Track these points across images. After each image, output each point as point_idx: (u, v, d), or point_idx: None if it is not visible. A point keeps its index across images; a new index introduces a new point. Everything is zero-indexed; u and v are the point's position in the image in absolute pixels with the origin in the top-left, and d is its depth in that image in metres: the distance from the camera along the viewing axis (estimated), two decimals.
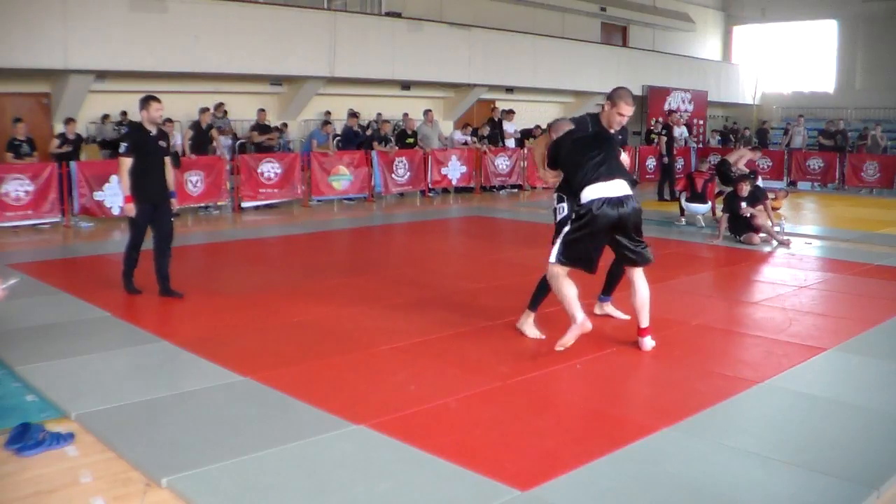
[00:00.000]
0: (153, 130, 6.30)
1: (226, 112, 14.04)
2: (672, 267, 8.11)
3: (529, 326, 5.39)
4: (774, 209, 10.29)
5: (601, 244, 4.91)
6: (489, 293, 6.72)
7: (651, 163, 17.98)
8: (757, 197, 9.50)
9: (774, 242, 9.30)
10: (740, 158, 11.77)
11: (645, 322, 5.05)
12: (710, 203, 10.57)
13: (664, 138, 14.93)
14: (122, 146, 6.24)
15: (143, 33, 12.96)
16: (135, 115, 13.78)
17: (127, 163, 6.15)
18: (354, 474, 3.26)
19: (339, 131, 14.86)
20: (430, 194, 14.62)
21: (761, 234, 9.35)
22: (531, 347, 5.12)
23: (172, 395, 4.17)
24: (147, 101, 6.24)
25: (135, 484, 3.20)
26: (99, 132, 13.55)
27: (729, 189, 10.00)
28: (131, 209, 6.25)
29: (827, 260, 8.58)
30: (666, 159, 14.88)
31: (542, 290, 5.33)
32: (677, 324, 5.73)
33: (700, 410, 4.00)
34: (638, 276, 5.05)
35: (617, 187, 4.75)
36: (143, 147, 6.21)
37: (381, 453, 3.46)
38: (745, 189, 9.47)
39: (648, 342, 5.04)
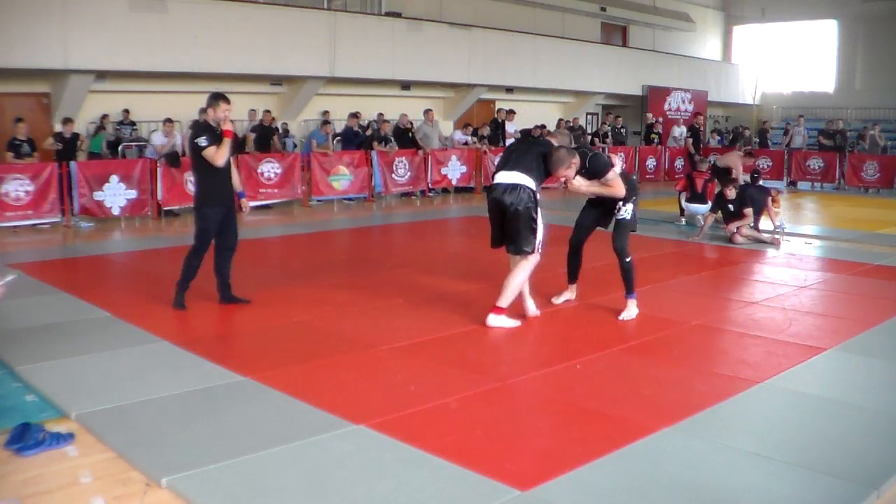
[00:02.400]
0: (218, 130, 5.87)
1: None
2: (671, 267, 8.12)
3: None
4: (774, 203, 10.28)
5: (496, 224, 5.51)
6: (489, 293, 6.70)
7: (651, 163, 18.06)
8: (744, 199, 9.51)
9: (764, 243, 9.33)
10: (733, 168, 11.61)
11: (502, 302, 5.42)
12: (709, 203, 10.55)
13: (690, 139, 15.51)
14: (203, 139, 5.75)
15: (143, 33, 12.95)
16: (135, 114, 13.97)
17: (213, 149, 5.75)
18: (354, 474, 3.26)
19: (338, 131, 14.85)
20: (430, 194, 14.62)
21: (748, 234, 9.40)
22: (531, 347, 5.12)
23: (172, 395, 4.17)
24: (217, 99, 5.85)
25: (135, 484, 3.20)
26: (105, 132, 13.54)
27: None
28: (246, 205, 6.51)
29: (827, 260, 8.58)
30: (698, 157, 15.70)
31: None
32: (677, 324, 5.73)
33: (700, 410, 4.00)
34: (519, 262, 5.48)
35: (511, 176, 5.31)
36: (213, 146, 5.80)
37: (381, 453, 3.46)
38: (731, 193, 9.50)
39: (493, 319, 5.40)
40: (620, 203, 5.75)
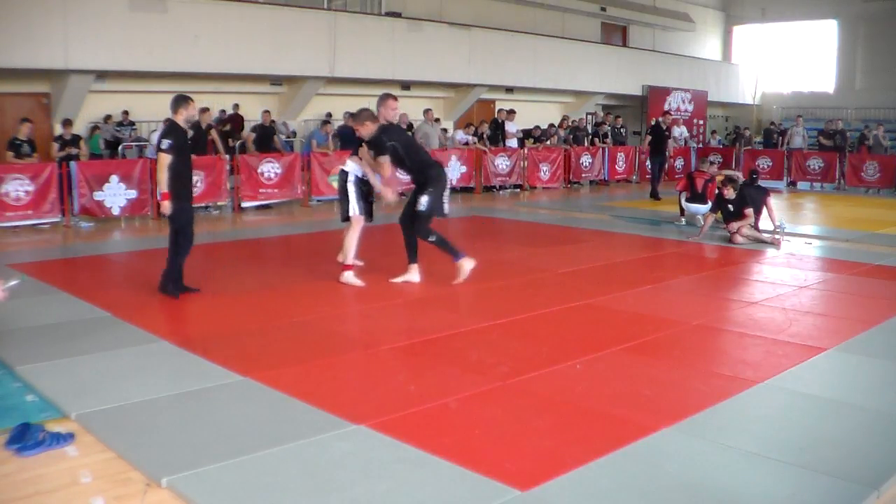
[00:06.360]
0: (187, 130, 6.43)
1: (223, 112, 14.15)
2: (672, 267, 8.12)
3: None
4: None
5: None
6: (489, 293, 6.72)
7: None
8: (744, 198, 9.51)
9: (764, 243, 9.34)
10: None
11: (347, 261, 6.94)
12: (709, 203, 10.55)
13: (649, 137, 14.92)
14: (166, 143, 6.13)
15: (143, 33, 12.96)
16: (136, 114, 13.99)
17: (167, 159, 6.11)
18: (354, 474, 3.26)
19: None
20: None
21: (748, 233, 9.42)
22: (531, 347, 5.12)
23: (172, 395, 4.17)
24: (186, 100, 6.29)
25: (135, 484, 3.20)
26: (102, 132, 13.56)
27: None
28: (167, 207, 6.21)
29: (827, 260, 8.58)
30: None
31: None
32: (677, 324, 5.73)
33: (700, 410, 4.00)
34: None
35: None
36: (183, 146, 6.25)
37: (380, 453, 3.46)
38: (730, 193, 9.51)
39: (344, 276, 6.86)
40: (420, 196, 6.75)
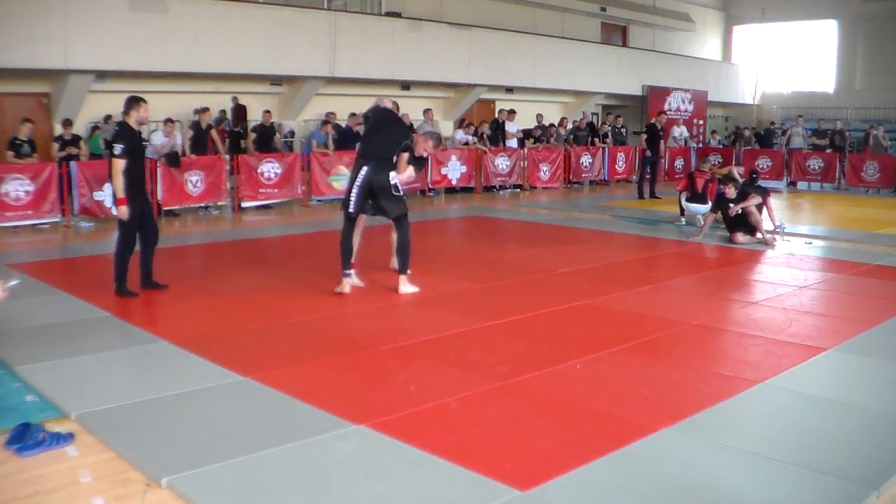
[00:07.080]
0: (140, 131, 6.48)
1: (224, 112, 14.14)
2: (672, 267, 8.12)
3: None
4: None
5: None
6: (489, 293, 6.72)
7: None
8: (745, 196, 9.52)
9: (763, 241, 9.33)
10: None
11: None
12: (710, 203, 10.55)
13: (644, 136, 14.82)
14: (119, 148, 6.16)
15: (143, 33, 12.96)
16: None
17: (122, 164, 6.14)
18: (354, 474, 3.27)
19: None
20: (430, 194, 14.60)
21: (747, 236, 9.40)
22: (530, 347, 5.12)
23: (172, 395, 4.17)
24: (137, 101, 6.30)
25: (135, 484, 3.21)
26: (102, 132, 13.55)
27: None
28: (125, 212, 6.25)
29: (827, 260, 8.58)
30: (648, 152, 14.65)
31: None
32: (677, 324, 5.73)
33: (700, 410, 4.00)
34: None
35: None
36: (136, 148, 6.31)
37: (380, 453, 3.46)
38: (732, 191, 9.51)
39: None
40: None
